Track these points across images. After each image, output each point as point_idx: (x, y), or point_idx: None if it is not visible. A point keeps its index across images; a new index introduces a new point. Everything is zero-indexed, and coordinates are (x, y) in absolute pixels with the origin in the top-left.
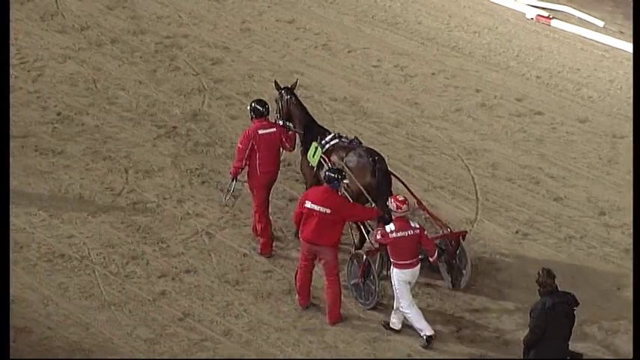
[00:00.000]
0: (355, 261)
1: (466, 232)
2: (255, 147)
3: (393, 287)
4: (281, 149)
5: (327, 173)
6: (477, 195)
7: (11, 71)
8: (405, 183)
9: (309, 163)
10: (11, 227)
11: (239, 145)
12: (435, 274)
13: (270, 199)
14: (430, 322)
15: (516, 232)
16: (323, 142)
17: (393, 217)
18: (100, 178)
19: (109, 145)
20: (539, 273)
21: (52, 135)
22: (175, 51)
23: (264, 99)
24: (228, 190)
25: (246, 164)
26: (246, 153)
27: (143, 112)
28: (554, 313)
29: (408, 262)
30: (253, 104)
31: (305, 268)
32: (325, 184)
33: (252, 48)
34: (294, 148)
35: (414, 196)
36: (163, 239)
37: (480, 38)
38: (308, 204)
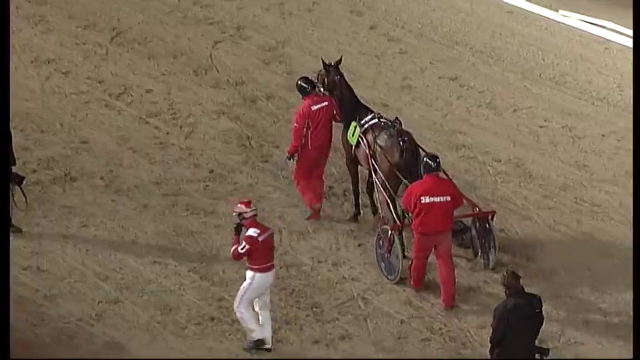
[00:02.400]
0: (382, 236)
1: (494, 212)
2: (310, 123)
3: (242, 290)
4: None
5: (425, 160)
6: None
7: (163, 127)
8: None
9: (348, 142)
10: (160, 289)
11: (295, 124)
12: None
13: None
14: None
15: None
16: (362, 121)
17: (245, 222)
18: None
19: (263, 205)
20: (504, 275)
21: (203, 194)
22: None
23: (308, 76)
24: (283, 168)
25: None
26: (303, 132)
27: None
28: (517, 315)
29: (269, 264)
30: (299, 82)
31: (424, 259)
32: (427, 173)
33: (412, 106)
34: (342, 120)
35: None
36: (317, 304)
37: None
38: (426, 199)
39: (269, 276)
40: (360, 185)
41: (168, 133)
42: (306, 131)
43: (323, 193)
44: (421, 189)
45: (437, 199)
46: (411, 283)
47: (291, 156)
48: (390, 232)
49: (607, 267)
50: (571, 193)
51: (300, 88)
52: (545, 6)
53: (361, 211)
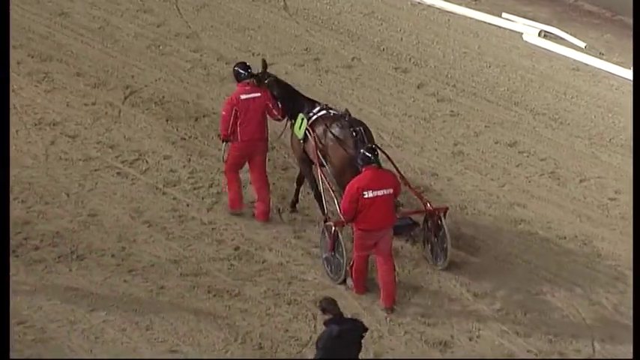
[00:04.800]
0: (326, 233)
1: (447, 208)
2: (238, 113)
3: None
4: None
5: (363, 153)
6: None
7: (182, 197)
8: (389, 156)
9: (296, 137)
10: None
11: (222, 112)
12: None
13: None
14: None
15: None
16: (310, 113)
17: None
18: (284, 325)
19: (295, 287)
20: (320, 302)
21: (227, 274)
22: None
23: (246, 62)
24: (223, 152)
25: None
26: (230, 121)
27: None
28: (342, 342)
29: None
30: (235, 67)
31: (365, 258)
32: (366, 166)
33: (465, 175)
34: (283, 117)
35: (398, 171)
36: None
37: None
38: (368, 193)
39: None
40: (317, 188)
41: (188, 205)
42: (234, 121)
43: (267, 197)
44: (362, 184)
45: (379, 193)
46: (354, 288)
47: (224, 141)
48: (333, 228)
49: None
50: None
51: (236, 74)
52: (616, 63)
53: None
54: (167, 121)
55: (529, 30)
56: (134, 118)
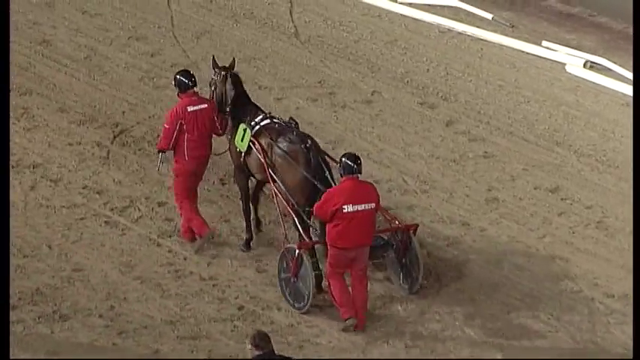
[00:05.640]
0: (288, 256)
1: (417, 225)
2: (184, 127)
3: None
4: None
5: (344, 161)
6: None
7: (179, 250)
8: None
9: (237, 148)
10: None
11: (165, 125)
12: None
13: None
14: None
15: None
16: (253, 122)
17: None
18: None
19: (307, 352)
20: (253, 336)
21: (230, 336)
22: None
23: (190, 70)
24: (161, 162)
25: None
26: (173, 135)
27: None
28: None
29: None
30: (178, 76)
31: (341, 275)
32: (347, 176)
33: (500, 224)
34: (224, 132)
35: None
36: None
37: None
38: (348, 208)
39: None
40: (249, 203)
41: (185, 259)
42: (179, 136)
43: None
44: (343, 196)
45: (361, 207)
46: (341, 314)
47: (160, 151)
48: (297, 251)
49: None
50: None
51: (179, 84)
52: None
53: (254, 235)
54: (162, 162)
55: (573, 60)
56: (125, 160)
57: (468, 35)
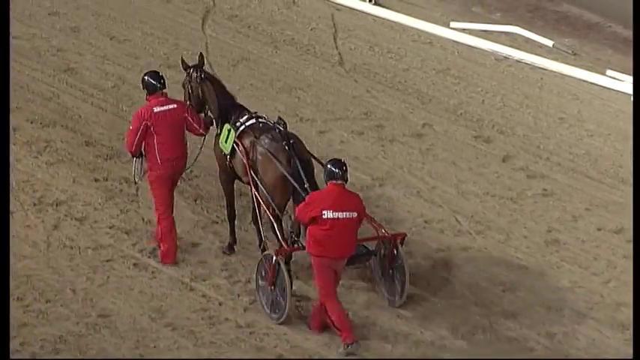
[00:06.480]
0: (265, 263)
1: (405, 235)
2: (152, 129)
3: None
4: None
5: (329, 168)
6: None
7: (214, 295)
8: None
9: (222, 150)
10: None
11: (130, 126)
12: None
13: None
14: None
15: None
16: (238, 123)
17: None
18: None
19: None
20: None
21: None
22: (443, 271)
23: (158, 71)
24: (136, 169)
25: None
26: (136, 137)
27: None
28: None
29: None
30: (146, 77)
31: (335, 296)
32: (331, 181)
33: (561, 268)
34: (207, 131)
35: None
36: None
37: None
38: (328, 214)
39: None
40: (234, 207)
41: (220, 304)
42: (149, 140)
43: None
44: (324, 201)
45: (342, 215)
46: (342, 338)
47: (134, 156)
48: (273, 258)
49: None
50: None
51: (147, 85)
52: None
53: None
54: (195, 200)
55: None
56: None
57: (527, 63)
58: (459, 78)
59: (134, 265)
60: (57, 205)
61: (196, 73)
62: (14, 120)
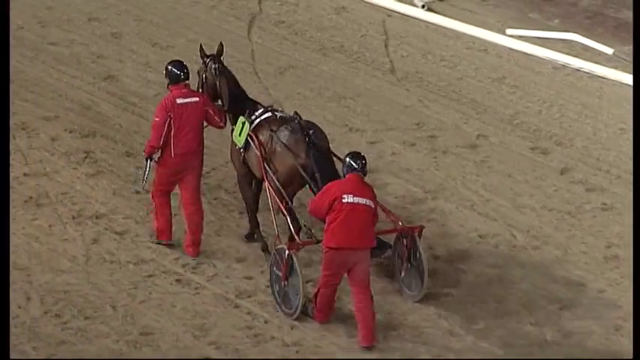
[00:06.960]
0: (278, 258)
1: (423, 227)
2: (172, 121)
3: None
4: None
5: (347, 161)
6: None
7: (259, 312)
8: None
9: (236, 146)
10: None
11: (155, 119)
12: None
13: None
14: None
15: None
16: (253, 117)
17: None
18: None
19: None
20: None
21: None
22: (498, 288)
23: (182, 60)
24: (144, 173)
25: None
26: (164, 128)
27: None
28: None
29: None
30: (169, 67)
31: (335, 285)
32: (351, 173)
33: (620, 285)
34: (225, 124)
35: None
36: None
37: None
38: (349, 198)
39: None
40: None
41: (266, 322)
42: (167, 132)
43: (199, 226)
44: (344, 187)
45: (362, 201)
46: (314, 313)
47: (149, 158)
48: (287, 252)
49: None
50: None
51: (170, 74)
52: None
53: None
54: (240, 213)
55: None
56: None
57: (586, 72)
58: (515, 87)
59: (177, 280)
60: (97, 218)
61: (214, 63)
62: (52, 130)
